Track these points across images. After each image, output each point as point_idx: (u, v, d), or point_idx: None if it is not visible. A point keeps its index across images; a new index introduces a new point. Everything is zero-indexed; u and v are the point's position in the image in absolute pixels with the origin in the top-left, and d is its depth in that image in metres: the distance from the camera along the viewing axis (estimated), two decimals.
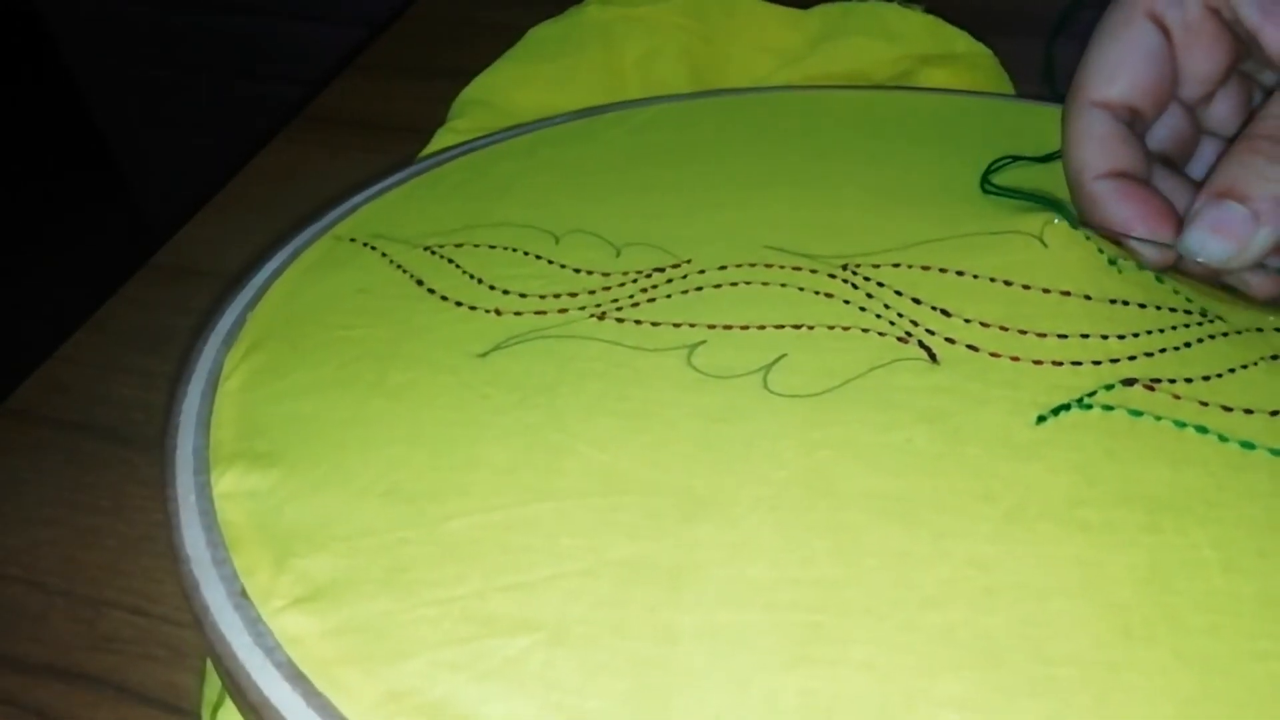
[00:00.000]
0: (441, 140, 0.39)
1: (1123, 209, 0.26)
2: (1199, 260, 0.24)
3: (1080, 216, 0.27)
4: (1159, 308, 0.26)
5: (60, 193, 1.28)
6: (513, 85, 0.42)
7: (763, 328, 0.25)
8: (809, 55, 0.42)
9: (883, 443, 0.22)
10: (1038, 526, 0.20)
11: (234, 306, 0.27)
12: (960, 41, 0.42)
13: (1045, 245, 0.27)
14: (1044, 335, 0.24)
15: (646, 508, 0.20)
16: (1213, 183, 0.24)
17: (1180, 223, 0.25)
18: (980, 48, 0.42)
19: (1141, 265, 0.27)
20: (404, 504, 0.21)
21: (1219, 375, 0.24)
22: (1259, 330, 0.26)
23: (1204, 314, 0.26)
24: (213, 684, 0.25)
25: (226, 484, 0.22)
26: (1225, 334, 0.26)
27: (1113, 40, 0.27)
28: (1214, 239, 0.24)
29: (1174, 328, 0.26)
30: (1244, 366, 0.24)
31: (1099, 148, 0.27)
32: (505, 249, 0.29)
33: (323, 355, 0.25)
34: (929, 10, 0.43)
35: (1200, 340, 0.25)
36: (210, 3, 0.91)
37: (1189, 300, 0.27)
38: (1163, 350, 0.25)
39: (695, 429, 0.22)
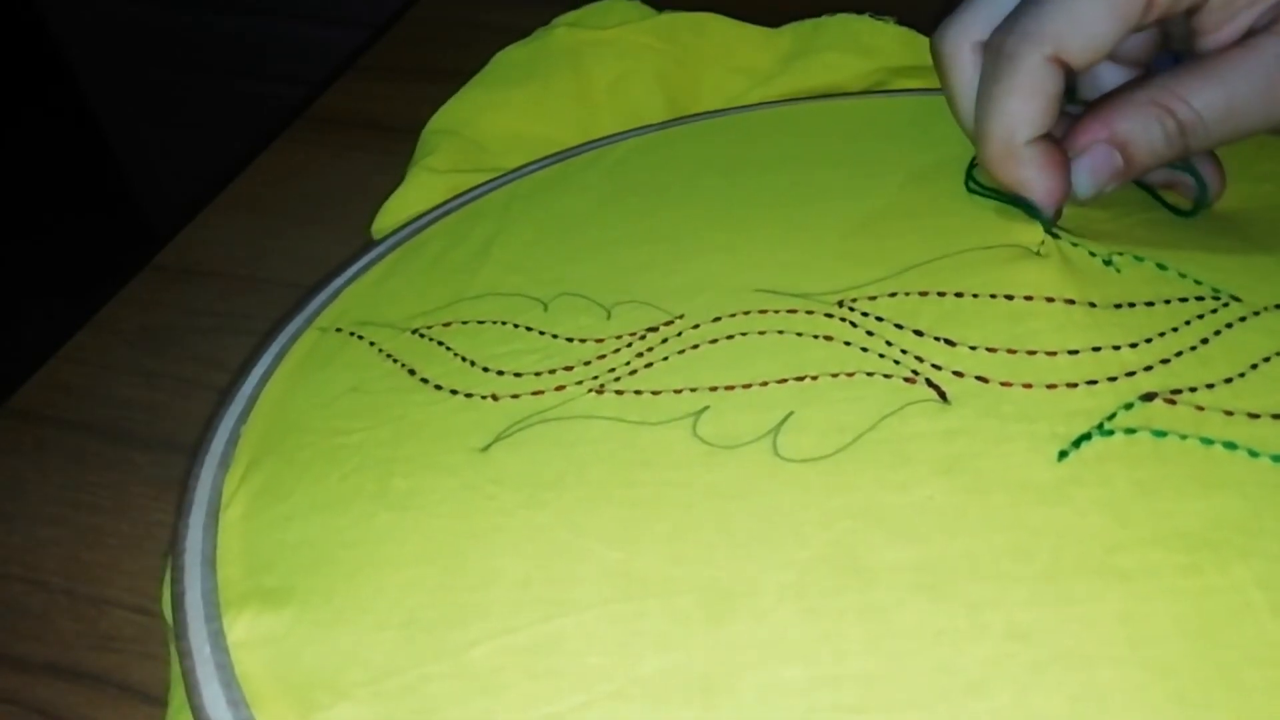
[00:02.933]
0: (414, 181, 0.38)
1: (1047, 178, 0.25)
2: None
3: (986, 169, 0.26)
4: (1168, 301, 0.25)
5: (62, 193, 1.28)
6: (481, 113, 0.41)
7: (765, 384, 0.24)
8: (782, 73, 0.41)
9: (903, 504, 0.21)
10: (1075, 583, 0.19)
11: (225, 422, 0.27)
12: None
13: (1040, 254, 0.26)
14: (1054, 354, 0.24)
15: (671, 611, 0.20)
16: (1116, 131, 0.25)
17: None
18: None
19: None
20: (423, 634, 0.20)
21: (1241, 375, 0.23)
22: (1278, 307, 0.25)
23: (1216, 294, 0.25)
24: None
25: (240, 631, 0.21)
26: (1243, 318, 0.25)
27: None
28: (1088, 177, 0.26)
29: (1187, 322, 0.25)
30: (1266, 359, 0.23)
31: (1044, 107, 0.25)
32: (494, 323, 0.28)
33: (322, 468, 0.25)
34: (901, 22, 0.41)
35: (1217, 332, 0.24)
36: (212, 3, 0.91)
37: (1198, 283, 0.26)
38: (1179, 354, 0.24)
39: (710, 511, 0.22)
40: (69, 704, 0.25)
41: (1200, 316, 0.25)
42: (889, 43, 0.41)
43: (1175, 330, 0.24)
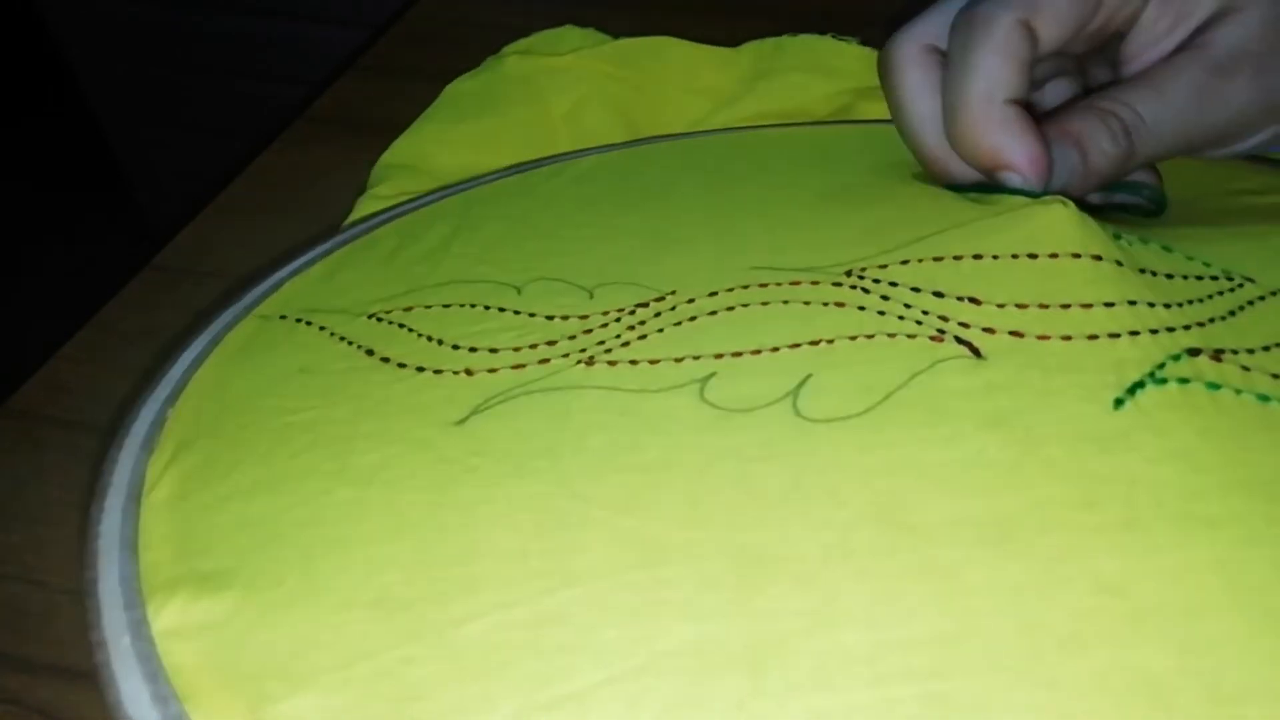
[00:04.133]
0: (365, 208, 0.35)
1: (1030, 141, 0.25)
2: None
3: (964, 142, 0.26)
4: (1185, 277, 0.24)
5: (61, 194, 1.27)
6: (435, 146, 0.38)
7: (776, 349, 0.22)
8: (745, 95, 0.40)
9: (951, 459, 0.19)
10: (1158, 530, 0.17)
11: (149, 405, 0.23)
12: None
13: (1065, 206, 0.25)
14: (1089, 305, 0.22)
15: (698, 576, 0.17)
16: (1069, 128, 0.26)
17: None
18: None
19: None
20: (400, 612, 0.17)
21: (1277, 345, 0.22)
22: None
23: (1230, 277, 0.24)
24: None
25: (169, 619, 0.17)
26: (1262, 297, 0.23)
27: None
28: (1056, 166, 0.26)
29: (1210, 296, 0.23)
30: None
31: (1019, 70, 0.25)
32: (462, 306, 0.25)
33: (268, 447, 0.21)
34: (863, 42, 0.41)
35: (1242, 307, 0.23)
36: (212, 3, 0.90)
37: (1206, 265, 0.25)
38: (1211, 320, 0.22)
39: (730, 473, 0.19)
40: (70, 704, 0.25)
41: (1221, 293, 0.23)
42: (852, 64, 0.40)
43: (1202, 301, 0.23)
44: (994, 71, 0.25)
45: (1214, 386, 0.20)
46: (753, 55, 0.42)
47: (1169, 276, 0.24)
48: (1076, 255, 0.23)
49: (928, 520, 0.17)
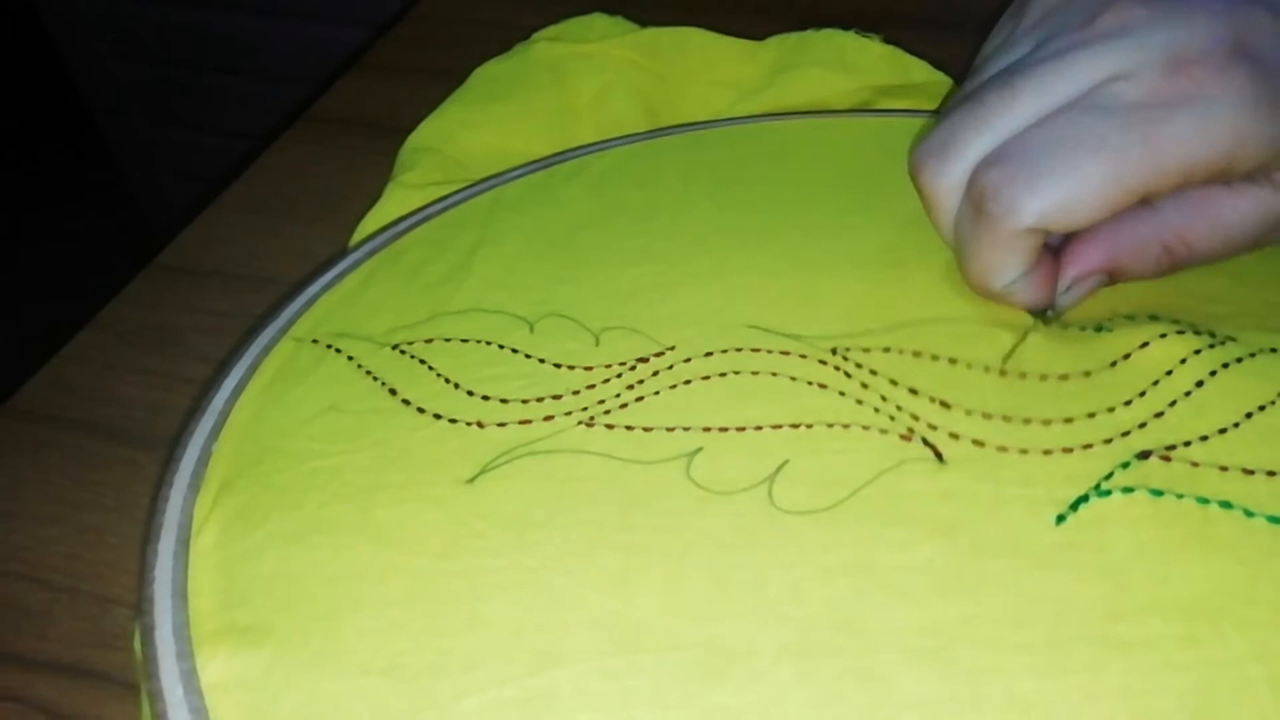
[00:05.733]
0: (392, 197, 0.37)
1: (1029, 299, 0.26)
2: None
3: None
4: (1163, 336, 0.25)
5: (62, 193, 1.28)
6: (462, 129, 0.40)
7: (759, 428, 0.24)
8: (766, 88, 0.40)
9: (902, 564, 0.21)
10: (1075, 652, 0.19)
11: (195, 440, 0.25)
12: (919, 71, 0.41)
13: (1036, 329, 0.26)
14: (1049, 422, 0.24)
15: (666, 667, 0.19)
16: (1118, 262, 0.25)
17: None
18: (940, 76, 0.41)
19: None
20: (408, 684, 0.20)
21: (1235, 425, 0.23)
22: (1273, 350, 0.25)
23: (1213, 335, 0.25)
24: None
25: (215, 672, 0.20)
26: (1239, 359, 0.25)
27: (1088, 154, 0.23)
28: (1071, 299, 0.26)
29: (1183, 361, 0.25)
30: (1261, 408, 0.24)
31: (1024, 259, 0.25)
32: (478, 342, 0.27)
33: (299, 494, 0.24)
34: (886, 40, 0.41)
35: (1213, 373, 0.24)
36: (213, 2, 0.90)
37: (1193, 325, 0.26)
38: (1173, 403, 0.24)
39: (705, 560, 0.21)
40: (71, 702, 0.25)
41: (1197, 352, 0.25)
42: (874, 61, 0.41)
43: (1169, 374, 0.24)
44: (993, 265, 0.25)
45: (1156, 493, 0.22)
46: (776, 49, 0.42)
47: (1144, 345, 0.25)
48: (1044, 377, 0.24)
49: (873, 625, 0.20)
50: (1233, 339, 0.25)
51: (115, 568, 0.28)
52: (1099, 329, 0.26)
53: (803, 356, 0.26)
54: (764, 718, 0.19)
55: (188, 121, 1.00)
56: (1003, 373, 0.24)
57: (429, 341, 0.28)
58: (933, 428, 0.23)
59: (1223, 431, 0.23)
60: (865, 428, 0.24)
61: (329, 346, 0.28)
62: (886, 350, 0.25)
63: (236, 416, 0.26)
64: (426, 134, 0.39)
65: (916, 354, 0.25)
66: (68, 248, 1.20)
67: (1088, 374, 0.25)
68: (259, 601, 0.21)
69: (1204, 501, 0.22)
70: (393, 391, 0.26)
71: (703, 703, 0.19)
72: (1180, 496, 0.22)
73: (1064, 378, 0.24)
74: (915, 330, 0.26)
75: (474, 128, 0.40)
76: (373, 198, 0.37)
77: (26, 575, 0.28)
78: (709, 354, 0.26)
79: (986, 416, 0.23)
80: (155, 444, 0.31)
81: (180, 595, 0.22)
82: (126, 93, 1.00)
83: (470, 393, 0.26)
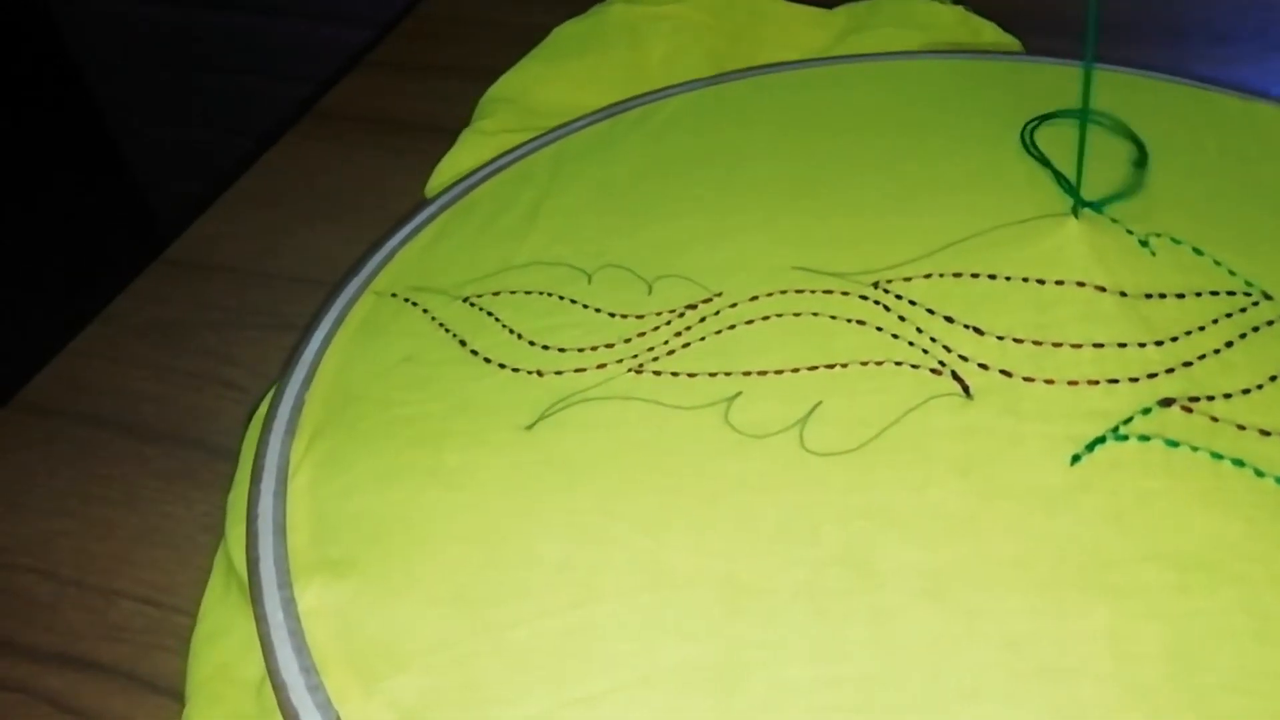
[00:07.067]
0: (466, 143, 0.39)
1: None
2: None
3: None
4: (1199, 294, 0.26)
5: (69, 190, 1.30)
6: (538, 83, 0.41)
7: (796, 370, 0.26)
8: (834, 49, 0.40)
9: (917, 505, 0.22)
10: (1069, 596, 0.20)
11: (290, 389, 0.29)
12: (988, 32, 0.40)
13: (1077, 219, 0.27)
14: (1079, 346, 0.24)
15: (692, 603, 0.22)
16: None
17: None
18: (1008, 38, 0.40)
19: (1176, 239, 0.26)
20: (470, 611, 0.22)
21: (1259, 386, 0.24)
22: None
23: (1249, 290, 0.26)
24: (210, 616, 0.25)
25: (310, 600, 0.23)
26: (1270, 322, 0.25)
27: None
28: None
29: (1215, 321, 0.25)
30: None
31: None
32: (540, 294, 0.30)
33: (381, 441, 0.27)
34: (957, 2, 0.40)
35: (1243, 335, 0.25)
36: (219, 1, 0.91)
37: (1231, 274, 0.26)
38: (1202, 357, 0.24)
39: (734, 504, 0.23)
40: (78, 694, 0.26)
41: (1229, 315, 0.25)
42: (944, 21, 0.40)
43: (1201, 329, 0.25)
44: None
45: (1172, 444, 0.22)
46: (847, 16, 0.42)
47: (1179, 296, 0.26)
48: (1080, 284, 0.25)
49: (884, 566, 0.22)
50: (1268, 297, 0.25)
51: (122, 561, 0.29)
52: (1143, 242, 0.26)
53: (845, 294, 0.27)
54: (775, 652, 0.21)
55: (195, 119, 1.00)
56: (1040, 282, 0.25)
57: (496, 294, 0.30)
58: (964, 359, 0.24)
59: (1246, 392, 0.23)
60: (898, 364, 0.25)
61: (406, 300, 0.30)
62: (928, 276, 0.26)
63: (325, 366, 0.29)
64: (504, 87, 0.41)
65: (956, 275, 0.26)
66: (75, 243, 1.20)
67: (1124, 294, 0.25)
68: (346, 538, 0.25)
69: (1217, 457, 0.22)
70: (462, 343, 0.29)
71: (722, 635, 0.21)
72: (1195, 449, 0.22)
73: (1100, 289, 0.25)
74: (955, 251, 0.26)
75: (548, 82, 0.41)
76: (380, 192, 0.37)
77: (34, 568, 0.29)
78: (754, 298, 0.28)
79: (1018, 341, 0.24)
80: (163, 438, 0.32)
81: (280, 531, 0.25)
82: (135, 90, 1.00)
83: (531, 343, 0.28)
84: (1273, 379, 0.23)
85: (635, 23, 0.42)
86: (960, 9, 0.41)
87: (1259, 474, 0.21)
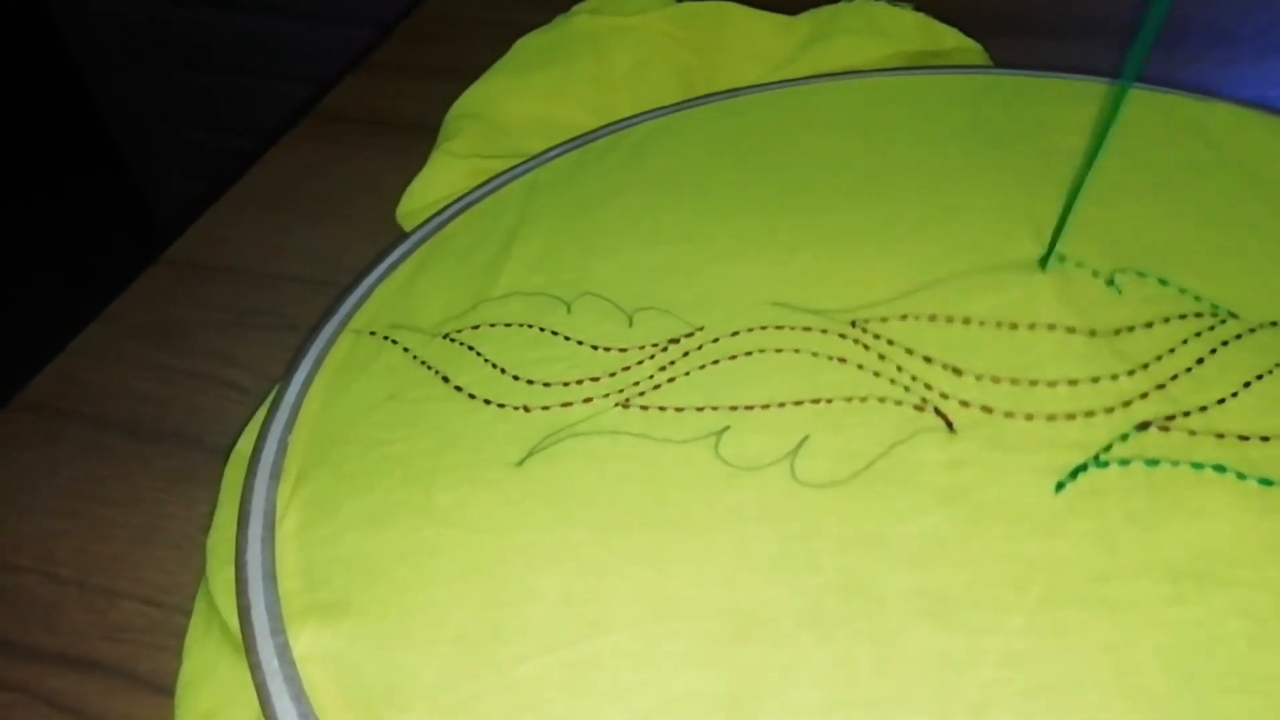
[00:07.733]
0: (436, 164, 0.39)
1: None
2: None
3: None
4: (1166, 320, 0.27)
5: (70, 190, 1.29)
6: (503, 97, 0.42)
7: (783, 405, 0.26)
8: (799, 58, 0.41)
9: (911, 532, 0.23)
10: (1066, 612, 0.21)
11: (274, 432, 0.28)
12: (950, 38, 0.41)
13: (1042, 270, 0.28)
14: (1054, 384, 0.25)
15: (698, 632, 0.22)
16: None
17: None
18: (970, 43, 0.41)
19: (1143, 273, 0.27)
20: (473, 650, 0.22)
21: (1234, 395, 0.25)
22: (1274, 324, 0.26)
23: (1215, 311, 0.27)
24: (193, 658, 0.25)
25: (304, 645, 0.23)
26: (1238, 335, 0.26)
27: None
28: None
29: (1185, 341, 0.26)
30: (1259, 377, 0.25)
31: None
32: (521, 326, 0.30)
33: (369, 480, 0.26)
34: (918, 9, 0.42)
35: (1213, 350, 0.26)
36: (220, 1, 0.91)
37: (1197, 299, 0.28)
38: (1174, 377, 0.25)
39: (732, 534, 0.24)
40: (78, 694, 0.26)
41: (1198, 334, 0.26)
42: (906, 28, 0.42)
43: (1172, 351, 0.26)
44: None
45: (1152, 463, 0.23)
46: (810, 22, 0.43)
47: (1148, 325, 0.27)
48: (1051, 326, 0.26)
49: (883, 590, 0.22)
50: (1234, 315, 0.26)
51: (123, 561, 0.29)
52: (1110, 281, 0.27)
53: (823, 331, 0.27)
54: (785, 677, 0.21)
55: (196, 120, 1.00)
56: (1012, 326, 0.26)
57: (475, 328, 0.30)
58: (944, 396, 0.25)
59: (1221, 401, 0.24)
60: (881, 400, 0.25)
61: (385, 338, 0.30)
62: (903, 318, 0.27)
63: (307, 408, 0.29)
64: (470, 102, 0.41)
65: (932, 318, 0.27)
66: (75, 243, 1.21)
67: (1093, 333, 0.26)
68: (339, 581, 0.24)
69: (1198, 467, 0.23)
70: (445, 379, 0.29)
71: (729, 663, 0.21)
72: (1175, 464, 0.23)
73: (1070, 330, 0.26)
74: (929, 293, 0.27)
75: (515, 95, 0.42)
76: (381, 193, 0.37)
77: (35, 568, 0.29)
78: (735, 333, 0.28)
79: (995, 380, 0.25)
80: (164, 439, 0.32)
81: (270, 577, 0.25)
82: (136, 91, 1.00)
83: (515, 377, 0.28)
84: (1246, 385, 0.24)
85: (599, 34, 0.43)
86: (922, 15, 0.42)
87: (1241, 477, 0.23)
